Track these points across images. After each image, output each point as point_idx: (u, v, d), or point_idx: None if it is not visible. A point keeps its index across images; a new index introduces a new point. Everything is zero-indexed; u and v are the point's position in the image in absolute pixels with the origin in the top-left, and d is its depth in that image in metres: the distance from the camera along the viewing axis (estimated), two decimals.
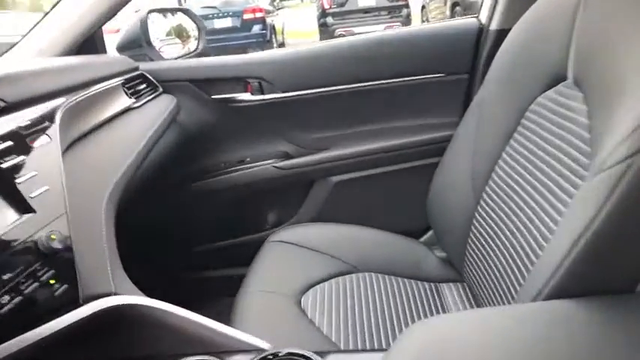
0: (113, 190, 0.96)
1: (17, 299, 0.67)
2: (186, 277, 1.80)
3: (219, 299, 1.71)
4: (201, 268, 1.79)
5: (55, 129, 0.90)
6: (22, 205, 0.74)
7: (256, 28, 10.24)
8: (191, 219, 1.74)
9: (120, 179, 1.01)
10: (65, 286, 0.74)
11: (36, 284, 0.70)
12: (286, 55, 1.66)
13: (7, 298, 0.66)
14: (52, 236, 0.74)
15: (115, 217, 0.94)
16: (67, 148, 0.93)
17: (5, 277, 0.67)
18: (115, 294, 0.81)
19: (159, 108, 1.48)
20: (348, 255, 1.40)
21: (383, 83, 1.61)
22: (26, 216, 0.74)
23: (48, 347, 0.69)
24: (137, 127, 1.29)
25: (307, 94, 1.63)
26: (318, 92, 1.63)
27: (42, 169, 0.81)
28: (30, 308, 0.68)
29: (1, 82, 0.87)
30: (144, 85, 1.48)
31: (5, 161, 0.76)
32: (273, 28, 11.36)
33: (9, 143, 0.79)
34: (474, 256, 1.16)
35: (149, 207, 1.53)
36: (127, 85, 1.37)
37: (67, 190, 0.83)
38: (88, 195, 0.90)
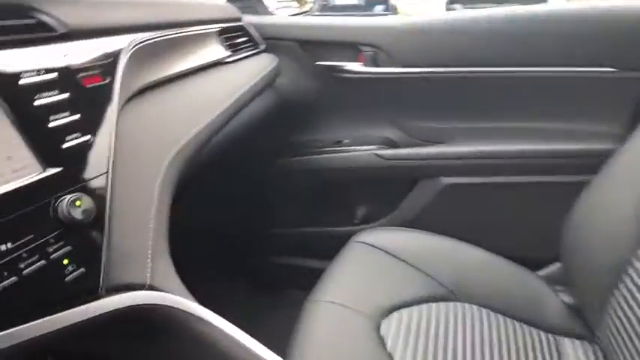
0: (176, 157, 0.78)
1: (10, 280, 0.50)
2: (256, 261, 1.64)
3: (289, 291, 1.54)
4: (275, 253, 1.62)
5: (118, 70, 0.73)
6: (48, 156, 0.58)
7: (378, 9, 9.86)
8: (270, 199, 1.56)
9: (188, 145, 0.83)
10: (82, 269, 0.57)
11: (42, 262, 0.53)
12: (413, 24, 1.37)
13: None
14: (77, 202, 0.57)
15: (174, 190, 0.76)
16: (130, 97, 0.76)
17: (1, 248, 0.50)
18: (151, 287, 0.63)
19: (257, 67, 1.29)
20: (446, 276, 1.13)
21: (535, 71, 1.26)
22: (51, 171, 0.58)
23: (43, 350, 0.52)
24: (226, 85, 1.11)
25: (431, 72, 1.34)
26: (447, 72, 1.33)
27: (88, 115, 0.65)
28: (26, 295, 0.51)
29: (62, 2, 0.71)
30: (244, 39, 1.30)
31: (42, 97, 0.60)
32: (395, 9, 10.93)
33: (52, 76, 0.62)
34: (622, 313, 0.84)
35: (222, 180, 1.37)
36: (224, 36, 1.19)
37: (115, 149, 0.66)
38: (142, 159, 0.72)
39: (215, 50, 1.14)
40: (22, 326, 0.50)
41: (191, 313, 0.62)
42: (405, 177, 1.42)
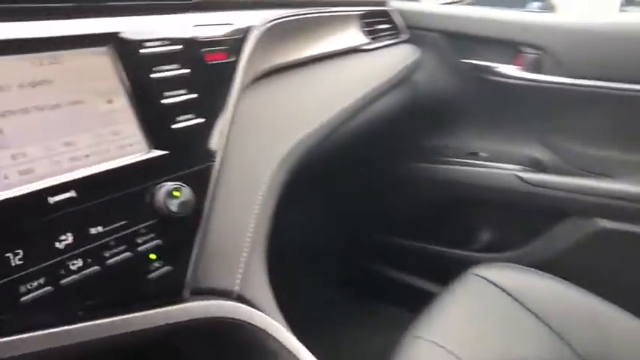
0: (292, 152, 0.70)
1: (91, 269, 0.45)
2: (353, 267, 1.53)
3: (383, 305, 1.42)
4: (375, 262, 1.50)
5: (246, 48, 0.66)
6: (156, 135, 0.53)
7: (533, 5, 8.97)
8: (382, 203, 1.43)
9: (308, 138, 0.74)
10: (168, 267, 0.51)
11: (127, 254, 0.48)
12: (588, 27, 1.13)
13: (78, 264, 0.45)
14: (176, 192, 0.51)
15: (282, 190, 0.68)
16: (253, 80, 0.69)
17: (89, 231, 0.46)
18: (239, 297, 0.56)
19: (396, 58, 1.16)
20: (582, 342, 0.92)
21: None
22: (155, 152, 0.52)
23: (113, 350, 0.47)
24: (359, 75, 1.00)
25: (605, 87, 1.09)
26: (623, 89, 1.08)
27: (205, 96, 0.58)
28: (104, 288, 0.46)
29: None
30: (386, 26, 1.17)
31: (161, 70, 0.55)
32: (552, 8, 9.85)
33: (175, 48, 0.57)
34: None
35: (333, 176, 1.28)
36: (365, 20, 1.08)
37: (228, 136, 0.60)
38: (255, 150, 0.65)
39: (353, 35, 1.03)
40: (96, 322, 0.46)
41: (281, 343, 0.54)
42: (549, 209, 1.20)
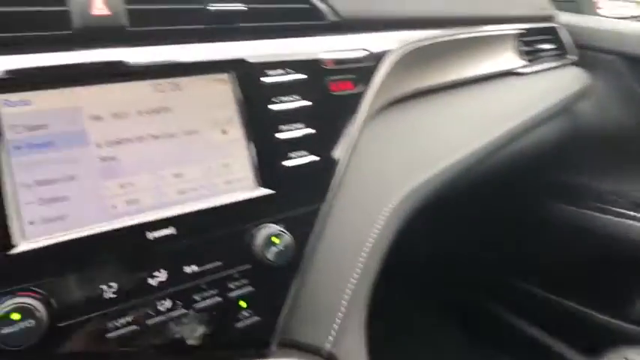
0: (413, 193, 0.61)
1: (179, 312, 0.43)
2: (470, 307, 1.38)
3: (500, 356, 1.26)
4: (499, 306, 1.33)
5: (377, 76, 0.60)
6: (265, 172, 0.49)
7: None
8: (520, 245, 1.25)
9: (436, 178, 0.65)
10: (257, 318, 0.47)
11: (217, 299, 0.45)
12: None
13: (167, 304, 0.43)
14: (276, 239, 0.47)
15: (395, 236, 0.60)
16: (380, 109, 0.62)
17: (184, 270, 0.44)
18: (329, 357, 0.51)
19: (558, 83, 0.99)
20: None
21: None
22: (262, 191, 0.48)
23: None
24: (508, 104, 0.87)
25: None
26: None
27: (324, 131, 0.53)
28: (191, 331, 0.44)
29: None
30: (549, 46, 1.00)
31: (281, 101, 0.51)
32: None
33: (299, 77, 0.52)
34: None
35: (463, 211, 1.14)
36: (524, 39, 0.93)
37: (342, 177, 0.54)
38: (371, 191, 0.58)
39: (506, 57, 0.90)
40: None
41: None
42: None
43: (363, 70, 0.58)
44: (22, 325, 0.36)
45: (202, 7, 0.50)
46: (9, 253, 0.38)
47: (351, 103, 0.56)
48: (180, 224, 0.44)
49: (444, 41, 0.73)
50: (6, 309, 0.36)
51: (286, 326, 0.49)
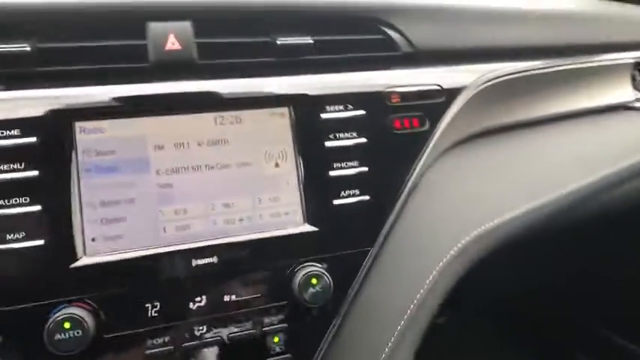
0: (480, 239, 0.57)
1: (213, 339, 0.45)
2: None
3: None
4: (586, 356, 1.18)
5: (448, 113, 0.56)
6: (313, 209, 0.49)
7: None
8: (616, 298, 1.10)
9: (508, 224, 0.60)
10: (288, 355, 0.47)
11: (251, 331, 0.46)
12: None
13: (202, 330, 0.45)
14: (314, 280, 0.46)
15: (452, 286, 0.56)
16: (449, 148, 0.58)
17: (223, 298, 0.46)
18: None
19: None
20: None
21: None
22: (307, 228, 0.48)
23: None
24: (613, 143, 0.76)
25: None
26: None
27: (380, 170, 0.52)
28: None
29: (409, 16, 0.58)
30: None
31: (337, 138, 0.50)
32: None
33: (358, 113, 0.51)
34: None
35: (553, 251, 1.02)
36: None
37: (398, 218, 0.52)
38: (426, 237, 0.55)
39: (619, 89, 0.79)
40: None
41: None
42: None
43: (432, 106, 0.55)
44: (72, 333, 0.40)
45: (270, 40, 0.51)
46: (71, 266, 0.42)
47: (414, 142, 0.54)
48: (224, 254, 0.46)
49: (538, 74, 0.66)
50: (59, 318, 0.40)
51: None
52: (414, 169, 0.53)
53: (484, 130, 0.61)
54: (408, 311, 0.52)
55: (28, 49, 0.45)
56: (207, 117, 0.48)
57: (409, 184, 0.53)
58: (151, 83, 0.47)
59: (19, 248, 0.41)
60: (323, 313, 0.48)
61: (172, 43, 0.48)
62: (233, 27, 0.51)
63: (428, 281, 0.53)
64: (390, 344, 0.51)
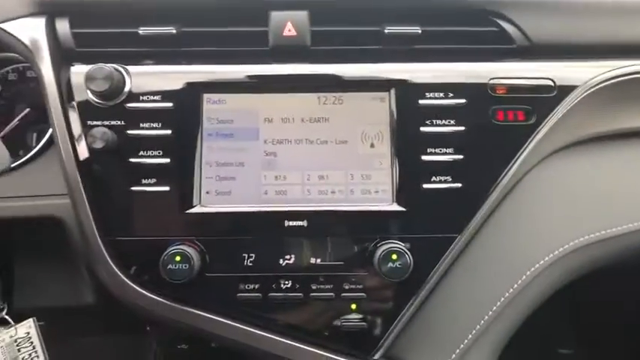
0: (575, 254, 0.53)
1: (296, 294, 0.50)
2: None
3: None
4: None
5: (557, 111, 0.53)
6: (403, 190, 0.51)
7: None
8: None
9: (628, 237, 0.54)
10: (364, 325, 0.50)
11: (331, 294, 0.50)
12: None
13: (288, 284, 0.50)
14: (394, 255, 0.48)
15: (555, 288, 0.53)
16: (558, 149, 0.54)
17: (309, 260, 0.50)
18: None
19: None
20: None
21: None
22: (394, 207, 0.50)
23: None
24: None
25: None
26: None
27: (475, 159, 0.51)
28: (300, 316, 0.50)
29: (526, 8, 0.56)
30: None
31: (432, 124, 0.51)
32: None
33: (458, 102, 0.52)
34: None
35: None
36: None
37: (495, 212, 0.52)
38: (523, 236, 0.53)
39: None
40: (279, 339, 0.50)
41: None
42: None
43: (541, 101, 0.53)
44: (181, 266, 0.48)
45: (379, 29, 0.54)
46: (187, 212, 0.50)
47: (517, 136, 0.52)
48: (313, 220, 0.50)
49: None
50: (173, 251, 0.48)
51: (396, 344, 0.50)
52: (514, 164, 0.52)
53: (597, 134, 0.56)
54: (494, 307, 0.51)
55: (174, 31, 0.54)
56: (312, 97, 0.53)
57: (507, 179, 0.51)
58: (268, 65, 0.54)
59: (150, 191, 0.51)
60: (402, 290, 0.50)
61: (289, 30, 0.54)
62: (345, 16, 0.55)
63: (520, 281, 0.51)
64: (468, 338, 0.50)
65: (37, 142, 0.61)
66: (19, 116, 0.63)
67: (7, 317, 0.48)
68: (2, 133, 0.63)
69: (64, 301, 0.57)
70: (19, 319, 0.54)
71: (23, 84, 0.65)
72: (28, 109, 0.63)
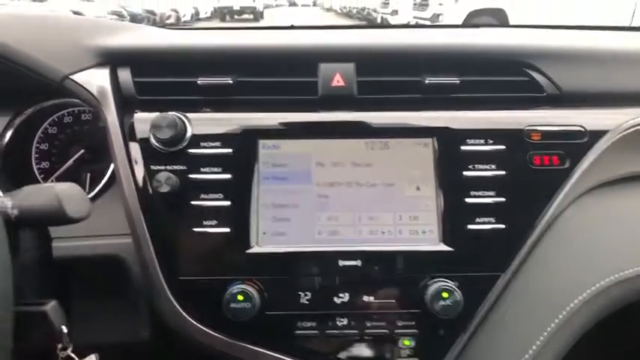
0: (615, 288, 0.56)
1: (352, 331, 0.52)
2: None
3: None
4: None
5: (588, 157, 0.57)
6: (449, 230, 0.54)
7: None
8: None
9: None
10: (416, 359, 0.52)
11: (384, 331, 0.52)
12: None
13: (344, 322, 0.52)
14: (445, 293, 0.51)
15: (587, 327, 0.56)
16: (590, 189, 0.58)
17: (362, 298, 0.53)
18: None
19: None
20: None
21: None
22: (442, 247, 0.53)
23: None
24: None
25: None
26: None
27: (516, 202, 0.55)
28: (354, 353, 0.52)
29: (555, 59, 0.60)
30: None
31: (473, 168, 0.55)
32: None
33: (497, 148, 0.55)
34: None
35: None
36: None
37: (534, 250, 0.55)
38: (562, 272, 0.56)
39: None
40: None
41: None
42: None
43: (574, 146, 0.57)
44: (243, 305, 0.50)
45: (419, 79, 0.58)
46: (246, 251, 0.53)
47: (553, 179, 0.56)
48: (366, 259, 0.53)
49: None
50: (235, 290, 0.51)
51: None
52: (552, 205, 0.55)
53: (628, 175, 0.60)
54: (538, 342, 0.53)
55: (231, 81, 0.58)
56: (360, 142, 0.57)
57: (545, 218, 0.55)
58: (318, 112, 0.57)
59: (211, 232, 0.53)
60: (452, 326, 0.52)
61: (337, 81, 0.58)
62: (389, 67, 0.59)
63: (562, 314, 0.53)
64: None
65: (91, 183, 0.64)
66: (74, 157, 0.66)
67: (72, 355, 0.49)
68: (57, 174, 0.66)
69: (121, 337, 0.59)
70: (79, 355, 0.56)
71: (78, 126, 0.68)
72: (82, 151, 0.66)
